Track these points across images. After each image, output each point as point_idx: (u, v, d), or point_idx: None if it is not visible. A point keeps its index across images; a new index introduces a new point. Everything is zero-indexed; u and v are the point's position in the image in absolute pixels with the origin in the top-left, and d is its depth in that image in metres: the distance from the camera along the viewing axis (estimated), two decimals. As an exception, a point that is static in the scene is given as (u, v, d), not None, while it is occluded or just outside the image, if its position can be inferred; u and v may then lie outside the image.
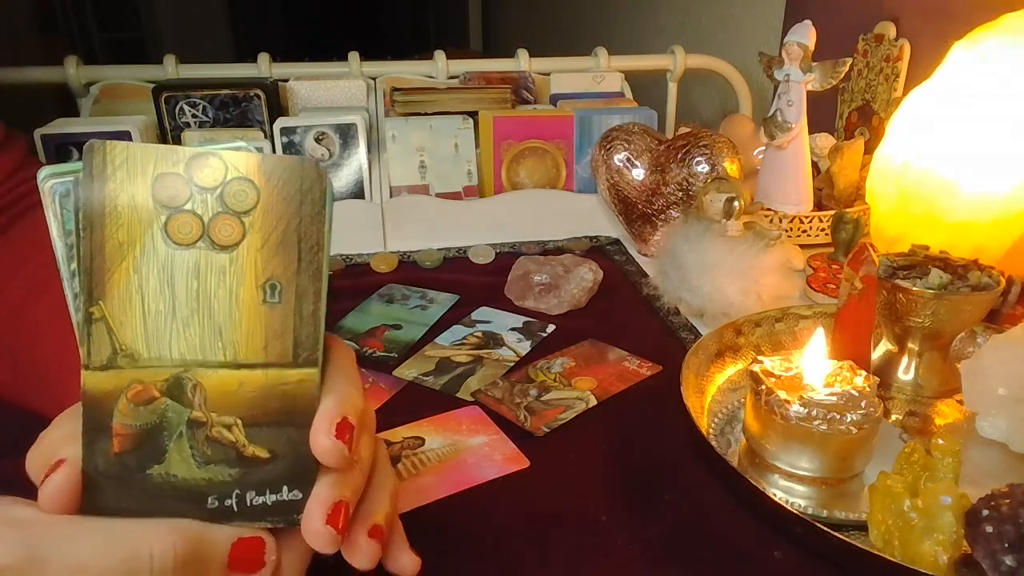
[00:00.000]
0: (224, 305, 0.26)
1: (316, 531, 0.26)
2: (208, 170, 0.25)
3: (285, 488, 0.27)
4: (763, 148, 0.79)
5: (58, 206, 0.25)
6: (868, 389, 0.40)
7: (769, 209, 0.77)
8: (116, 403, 0.25)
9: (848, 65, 0.71)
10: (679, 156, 0.73)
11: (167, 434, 0.26)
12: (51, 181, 0.25)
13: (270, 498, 0.27)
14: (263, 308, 0.26)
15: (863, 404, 0.39)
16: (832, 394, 0.40)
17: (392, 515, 0.31)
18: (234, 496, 0.26)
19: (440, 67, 1.06)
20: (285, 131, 0.88)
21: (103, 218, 0.24)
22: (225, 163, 0.25)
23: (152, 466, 0.25)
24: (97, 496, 0.25)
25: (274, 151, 0.88)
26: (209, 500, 0.26)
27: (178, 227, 0.25)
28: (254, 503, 0.26)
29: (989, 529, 0.31)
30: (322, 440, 0.26)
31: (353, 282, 0.70)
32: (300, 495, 0.27)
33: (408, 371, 0.54)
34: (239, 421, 0.26)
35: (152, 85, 0.94)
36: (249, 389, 0.26)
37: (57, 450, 0.25)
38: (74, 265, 0.25)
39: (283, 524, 0.27)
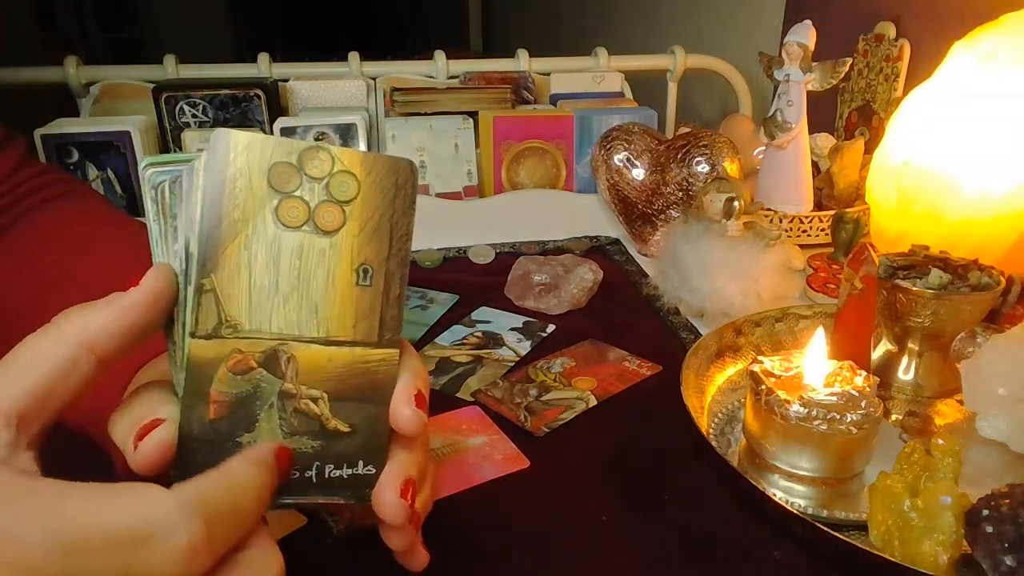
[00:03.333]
0: (321, 284, 0.28)
1: (390, 503, 0.28)
2: (317, 162, 0.27)
3: (360, 463, 0.29)
4: (763, 148, 0.79)
5: (157, 192, 0.28)
6: (868, 389, 0.40)
7: (769, 209, 0.77)
8: (216, 371, 0.27)
9: (848, 65, 0.71)
10: (679, 156, 0.73)
11: (259, 404, 0.27)
12: (151, 170, 0.28)
13: (346, 472, 0.29)
14: (355, 289, 0.28)
15: (863, 404, 0.39)
16: (832, 394, 0.40)
17: (429, 503, 0.32)
18: (314, 468, 0.28)
19: (440, 67, 1.06)
20: (285, 131, 0.88)
21: (222, 197, 0.26)
22: (333, 157, 0.27)
23: (242, 434, 0.27)
24: (187, 460, 0.26)
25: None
26: (291, 470, 0.28)
27: (287, 211, 0.27)
28: (331, 476, 0.28)
29: (989, 529, 0.31)
30: (404, 410, 0.28)
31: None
32: (373, 470, 0.29)
33: (408, 371, 0.54)
34: (325, 395, 0.28)
35: (152, 85, 0.94)
36: (337, 365, 0.28)
37: (153, 410, 0.26)
38: (177, 245, 0.27)
39: (355, 501, 0.29)
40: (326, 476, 0.28)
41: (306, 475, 0.28)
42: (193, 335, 0.26)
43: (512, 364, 0.55)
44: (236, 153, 0.26)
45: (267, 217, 0.27)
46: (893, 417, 0.49)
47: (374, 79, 1.03)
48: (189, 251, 0.26)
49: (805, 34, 0.71)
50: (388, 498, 0.28)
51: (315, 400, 0.28)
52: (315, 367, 0.28)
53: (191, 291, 0.26)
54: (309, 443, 0.28)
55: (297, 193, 0.27)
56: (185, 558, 0.21)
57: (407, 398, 0.28)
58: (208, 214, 0.26)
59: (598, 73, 1.08)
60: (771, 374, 0.41)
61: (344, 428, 0.28)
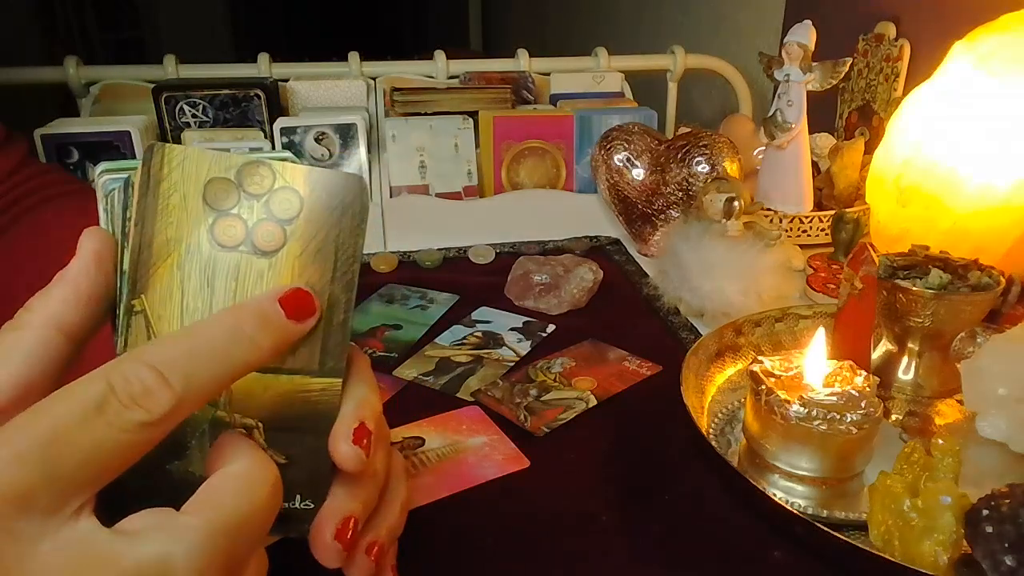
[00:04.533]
0: None
1: (324, 544, 0.27)
2: (257, 178, 0.26)
3: (298, 497, 0.27)
4: (763, 148, 0.79)
5: (107, 200, 0.26)
6: (868, 389, 0.40)
7: (769, 209, 0.77)
8: None
9: (848, 65, 0.71)
10: (679, 156, 0.73)
11: (191, 431, 0.26)
12: (106, 176, 0.26)
13: (282, 506, 0.27)
14: None
15: (863, 404, 0.39)
16: (832, 394, 0.40)
17: (398, 527, 0.31)
18: None
19: (440, 67, 1.06)
20: (285, 131, 0.88)
21: (155, 214, 0.25)
22: (274, 172, 0.26)
23: (172, 461, 0.26)
24: (117, 486, 0.25)
25: (273, 151, 0.88)
26: None
27: (223, 229, 0.26)
28: None
29: (989, 529, 0.31)
30: (341, 446, 0.26)
31: (353, 282, 0.70)
32: (312, 505, 0.27)
33: (408, 371, 0.54)
34: (260, 424, 0.27)
35: (152, 85, 0.94)
36: (273, 393, 0.26)
37: None
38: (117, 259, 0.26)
39: (293, 535, 0.27)
40: None
41: None
42: None
43: (512, 364, 0.55)
44: (171, 168, 0.25)
45: (202, 236, 0.25)
46: (893, 417, 0.49)
47: (374, 79, 1.02)
48: (122, 269, 0.25)
49: (805, 34, 0.71)
50: (322, 538, 0.27)
51: (250, 429, 0.27)
52: (250, 395, 0.26)
53: (122, 311, 0.25)
54: None
55: (234, 211, 0.26)
56: None
57: (346, 432, 0.26)
58: (140, 231, 0.25)
59: (598, 73, 1.08)
60: (771, 374, 0.41)
61: (280, 459, 0.27)
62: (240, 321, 0.24)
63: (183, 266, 0.25)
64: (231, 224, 0.26)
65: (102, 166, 0.27)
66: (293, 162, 0.27)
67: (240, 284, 0.26)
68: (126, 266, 0.25)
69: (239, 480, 0.24)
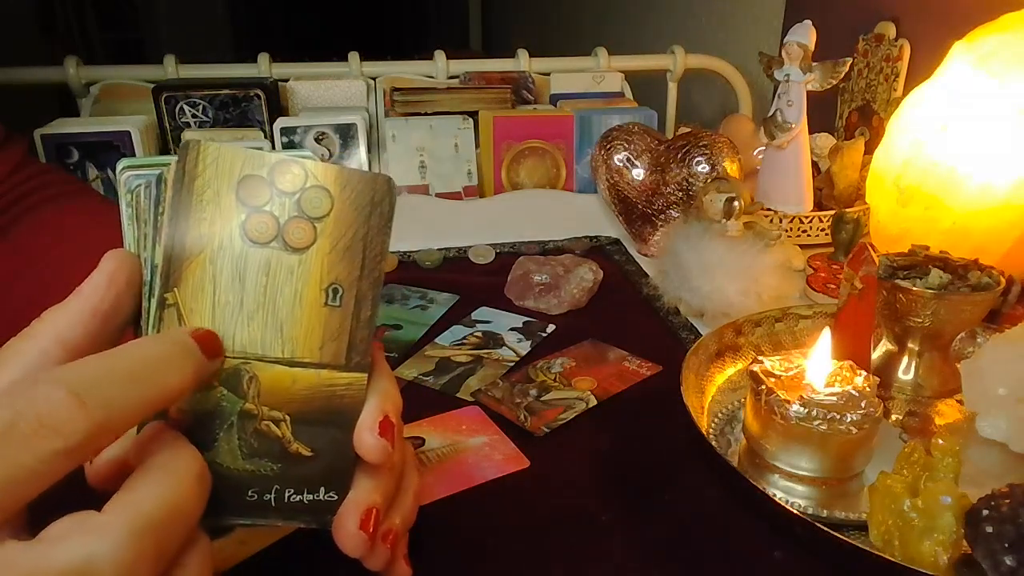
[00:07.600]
0: (288, 303, 0.27)
1: (349, 534, 0.27)
2: (289, 176, 0.26)
3: (322, 488, 0.28)
4: (763, 148, 0.79)
5: (132, 196, 0.27)
6: (868, 389, 0.40)
7: (769, 209, 0.77)
8: None
9: (848, 65, 0.71)
10: (679, 156, 0.73)
11: (219, 422, 0.26)
12: (128, 173, 0.27)
13: (307, 497, 0.28)
14: (324, 310, 0.27)
15: (863, 404, 0.39)
16: (832, 394, 0.40)
17: (411, 514, 0.31)
18: (273, 491, 0.27)
19: (440, 67, 1.06)
20: (285, 131, 0.88)
21: (188, 210, 0.26)
22: (306, 171, 0.26)
23: (201, 453, 0.26)
24: None
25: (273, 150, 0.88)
26: (249, 492, 0.27)
27: (256, 226, 0.26)
28: (291, 500, 0.27)
29: (989, 529, 0.31)
30: (367, 438, 0.27)
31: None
32: (335, 497, 0.28)
33: (408, 371, 0.54)
34: (287, 417, 0.27)
35: (152, 85, 0.94)
36: (301, 387, 0.27)
37: None
38: (146, 253, 0.26)
39: (316, 526, 0.28)
40: (286, 500, 0.27)
41: (265, 498, 0.27)
42: None
43: (512, 364, 0.55)
44: (205, 164, 0.25)
45: (235, 231, 0.26)
46: (893, 417, 0.49)
47: (374, 79, 1.03)
48: (154, 263, 0.26)
49: (805, 34, 0.71)
50: (347, 529, 0.27)
51: (277, 422, 0.27)
52: (278, 388, 0.27)
53: (154, 304, 0.26)
54: (269, 465, 0.27)
55: (267, 208, 0.26)
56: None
57: (371, 425, 0.27)
58: (173, 226, 0.25)
59: (598, 73, 1.08)
60: (771, 374, 0.41)
61: (306, 452, 0.27)
62: (163, 346, 0.24)
63: (215, 261, 0.26)
64: (263, 220, 0.26)
65: (124, 163, 0.27)
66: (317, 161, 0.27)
67: (271, 279, 0.27)
68: (158, 260, 0.26)
69: (160, 472, 0.23)
